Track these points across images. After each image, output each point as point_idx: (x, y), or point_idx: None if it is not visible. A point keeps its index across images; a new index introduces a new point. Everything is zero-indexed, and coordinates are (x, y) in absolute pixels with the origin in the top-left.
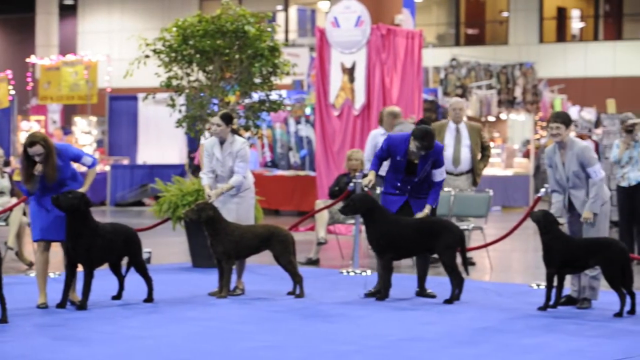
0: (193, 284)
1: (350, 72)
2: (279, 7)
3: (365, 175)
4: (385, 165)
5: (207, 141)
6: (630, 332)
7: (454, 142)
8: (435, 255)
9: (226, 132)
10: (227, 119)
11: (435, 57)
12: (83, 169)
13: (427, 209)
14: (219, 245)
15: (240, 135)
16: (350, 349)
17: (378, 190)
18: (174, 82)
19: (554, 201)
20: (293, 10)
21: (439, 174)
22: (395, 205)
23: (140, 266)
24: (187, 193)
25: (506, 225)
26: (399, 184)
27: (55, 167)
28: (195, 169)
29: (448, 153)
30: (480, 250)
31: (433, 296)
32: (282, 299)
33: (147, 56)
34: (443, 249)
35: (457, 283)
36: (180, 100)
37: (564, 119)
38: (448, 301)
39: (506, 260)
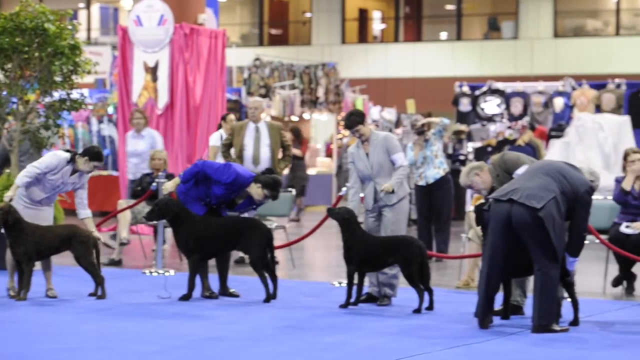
0: None
1: (153, 71)
2: (81, 5)
3: (169, 176)
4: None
5: (62, 157)
6: (428, 327)
7: (254, 142)
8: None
9: None
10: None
11: (238, 57)
12: None
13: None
14: (20, 246)
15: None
16: (152, 349)
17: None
18: None
19: (351, 200)
20: (95, 8)
21: None
22: (200, 212)
23: None
24: None
25: (309, 224)
26: (208, 200)
27: None
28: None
29: (248, 153)
30: (283, 249)
31: (236, 295)
32: (84, 300)
33: None
34: (251, 247)
35: (267, 281)
36: None
37: (359, 119)
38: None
39: (308, 258)
